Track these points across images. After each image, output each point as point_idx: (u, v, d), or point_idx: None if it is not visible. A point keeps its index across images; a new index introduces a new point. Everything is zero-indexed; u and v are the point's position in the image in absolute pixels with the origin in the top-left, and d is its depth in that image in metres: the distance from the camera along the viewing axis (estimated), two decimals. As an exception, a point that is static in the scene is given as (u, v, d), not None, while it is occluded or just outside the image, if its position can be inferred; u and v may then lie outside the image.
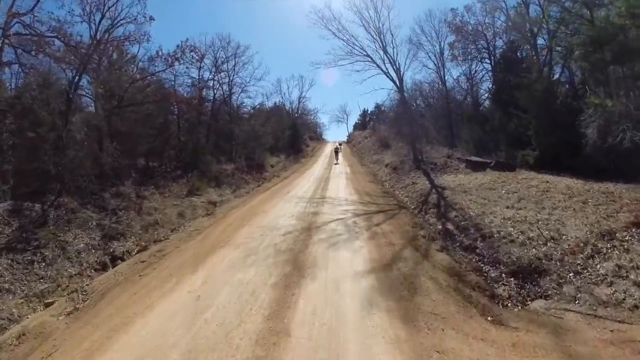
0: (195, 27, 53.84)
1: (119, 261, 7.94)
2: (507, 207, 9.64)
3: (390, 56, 18.46)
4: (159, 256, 7.55)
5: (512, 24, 24.64)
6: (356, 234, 8.36)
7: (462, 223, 8.69)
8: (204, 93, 21.21)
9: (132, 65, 16.29)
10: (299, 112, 44.69)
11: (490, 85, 31.46)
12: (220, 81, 24.10)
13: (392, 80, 18.94)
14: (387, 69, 18.84)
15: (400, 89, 18.86)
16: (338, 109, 76.72)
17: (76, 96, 12.71)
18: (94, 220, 10.12)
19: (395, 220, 9.10)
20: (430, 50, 32.72)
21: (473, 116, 25.01)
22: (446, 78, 33.78)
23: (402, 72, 18.98)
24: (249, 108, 27.43)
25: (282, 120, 40.32)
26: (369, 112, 64.77)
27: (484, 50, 30.85)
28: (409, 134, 20.98)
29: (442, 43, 33.92)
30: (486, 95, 31.15)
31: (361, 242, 7.71)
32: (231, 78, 25.56)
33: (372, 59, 18.63)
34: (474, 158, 16.20)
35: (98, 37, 13.13)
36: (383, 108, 58.05)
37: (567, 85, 19.37)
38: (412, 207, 11.77)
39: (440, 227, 8.69)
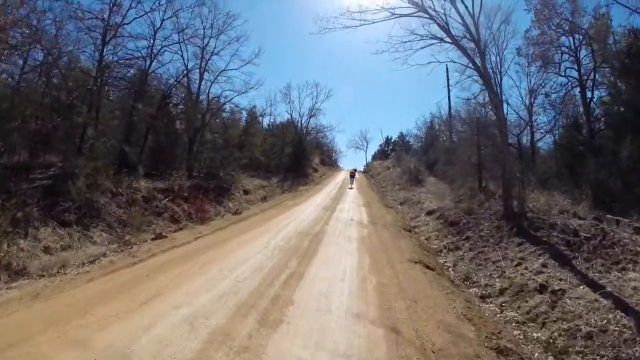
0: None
1: None
2: None
3: (469, 10, 9.30)
4: None
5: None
6: None
7: None
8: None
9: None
10: (309, 127, 35.69)
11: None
12: (177, 49, 15.39)
13: (470, 57, 9.68)
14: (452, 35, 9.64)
15: (482, 73, 9.52)
16: (358, 134, 66.63)
17: None
18: None
19: None
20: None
21: (584, 147, 15.35)
22: (502, 98, 24.49)
23: (484, 45, 9.79)
24: (222, 102, 18.38)
25: (286, 134, 31.50)
26: (392, 140, 55.81)
27: (566, 56, 21.21)
28: (482, 164, 11.58)
29: (502, 53, 24.85)
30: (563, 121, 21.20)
31: None
32: (204, 57, 16.89)
33: (430, 16, 9.53)
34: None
35: None
36: (407, 138, 49.26)
37: None
38: None
39: None
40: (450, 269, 7.31)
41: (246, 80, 18.65)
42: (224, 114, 19.86)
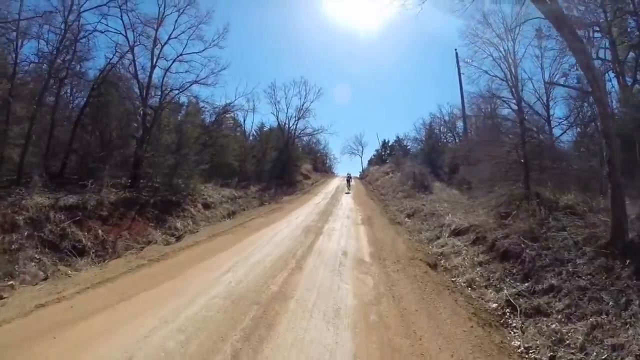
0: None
1: None
2: None
3: None
4: None
5: None
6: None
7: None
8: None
9: None
10: (298, 130, 31.58)
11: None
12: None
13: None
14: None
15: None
16: (352, 139, 61.74)
17: None
18: None
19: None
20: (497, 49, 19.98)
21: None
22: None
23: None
24: (178, 92, 14.39)
25: (270, 137, 27.69)
26: (389, 143, 51.89)
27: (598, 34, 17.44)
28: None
29: (515, 38, 21.13)
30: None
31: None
32: (158, 39, 13.11)
33: None
34: None
35: None
36: (405, 142, 45.65)
37: None
38: None
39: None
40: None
41: (204, 64, 14.51)
42: (184, 108, 15.98)
